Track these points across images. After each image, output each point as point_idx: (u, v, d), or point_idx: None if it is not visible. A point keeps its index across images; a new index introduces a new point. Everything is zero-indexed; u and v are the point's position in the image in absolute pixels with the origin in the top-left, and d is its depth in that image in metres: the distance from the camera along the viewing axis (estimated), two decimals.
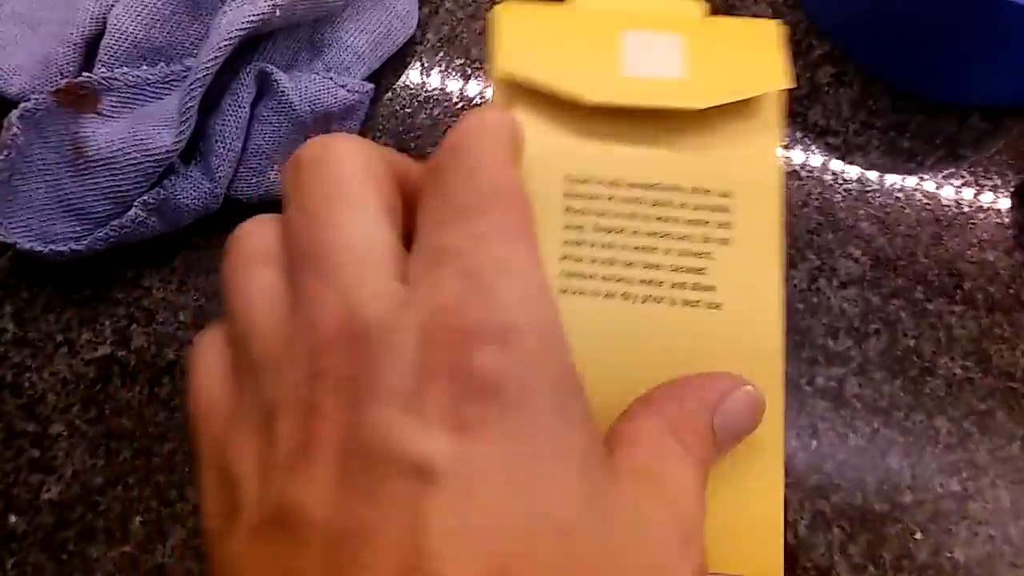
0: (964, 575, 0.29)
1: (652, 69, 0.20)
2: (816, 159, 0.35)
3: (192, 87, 0.31)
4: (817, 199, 0.35)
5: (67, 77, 0.32)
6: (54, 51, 0.33)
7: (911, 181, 0.35)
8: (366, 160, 0.17)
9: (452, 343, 0.15)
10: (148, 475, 0.30)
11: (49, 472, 0.31)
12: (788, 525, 0.30)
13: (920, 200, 0.35)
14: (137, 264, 0.33)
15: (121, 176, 0.31)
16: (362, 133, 0.35)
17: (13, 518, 0.30)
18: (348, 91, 0.34)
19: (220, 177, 0.32)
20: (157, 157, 0.31)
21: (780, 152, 0.21)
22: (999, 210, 0.35)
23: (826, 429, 0.31)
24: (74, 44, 0.33)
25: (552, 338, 0.16)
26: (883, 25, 0.35)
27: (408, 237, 0.17)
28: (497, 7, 0.21)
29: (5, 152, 0.31)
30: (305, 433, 0.15)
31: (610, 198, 0.20)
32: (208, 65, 0.31)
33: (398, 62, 0.37)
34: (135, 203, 0.31)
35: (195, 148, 0.33)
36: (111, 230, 0.31)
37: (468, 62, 0.37)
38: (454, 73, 0.37)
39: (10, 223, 0.31)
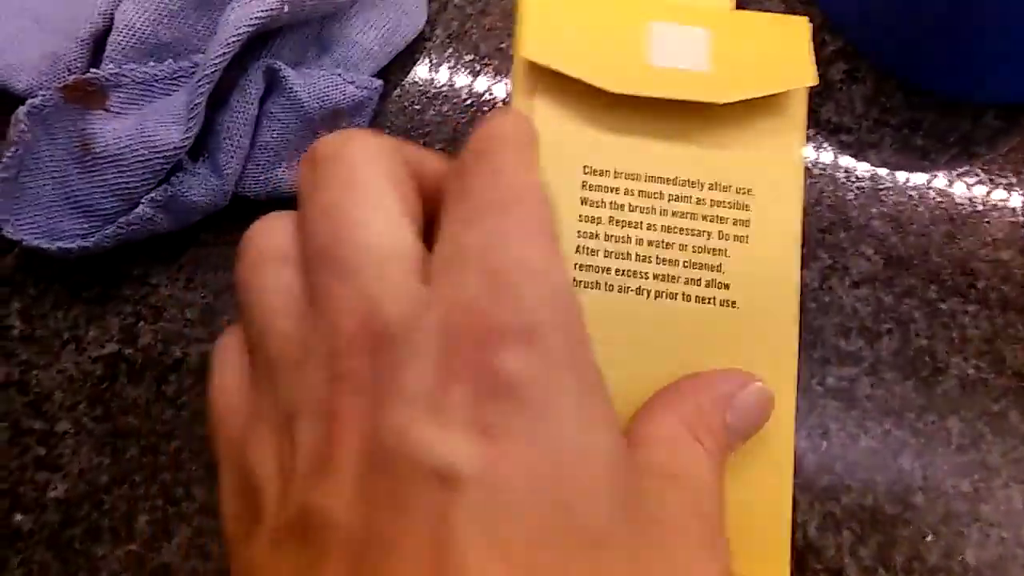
0: None
1: (678, 61, 0.20)
2: (828, 156, 0.35)
3: (200, 83, 0.30)
4: (829, 197, 0.34)
5: (75, 73, 0.32)
6: (62, 47, 0.33)
7: (924, 179, 0.35)
8: (384, 156, 0.17)
9: (474, 344, 0.14)
10: (154, 473, 0.30)
11: (55, 470, 0.30)
12: (798, 527, 0.30)
13: (934, 198, 0.34)
14: (145, 261, 0.33)
15: (129, 173, 0.31)
16: (371, 129, 0.35)
17: (19, 516, 0.30)
18: (357, 87, 0.33)
19: (228, 174, 0.32)
20: (165, 154, 0.31)
21: (804, 151, 0.20)
22: (1014, 208, 0.34)
23: (837, 430, 0.31)
24: (82, 40, 0.33)
25: (577, 337, 0.15)
26: (898, 21, 0.35)
27: (428, 233, 0.17)
28: None
29: (12, 149, 0.31)
30: (326, 438, 0.15)
31: (627, 191, 0.20)
32: (216, 61, 0.30)
33: (407, 58, 0.37)
34: (143, 200, 0.31)
35: (203, 145, 0.32)
36: (119, 227, 0.31)
37: (477, 58, 0.37)
38: (463, 69, 0.37)
39: (17, 220, 0.31)
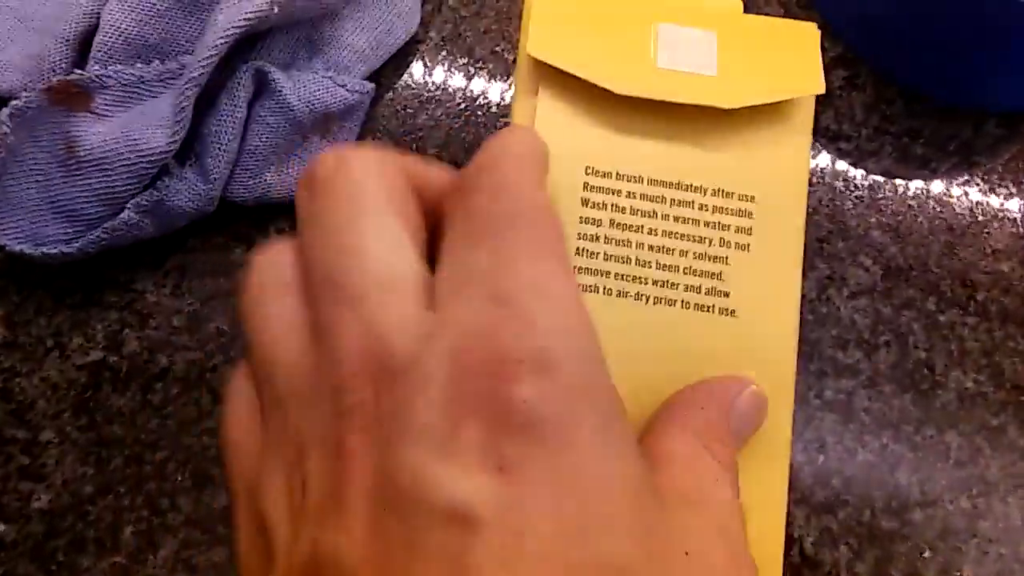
0: None
1: (685, 64, 0.20)
2: (827, 164, 0.35)
3: (187, 86, 0.30)
4: (828, 206, 0.34)
5: (59, 74, 0.32)
6: (46, 47, 0.32)
7: (924, 188, 0.34)
8: (384, 175, 0.17)
9: (486, 373, 0.14)
10: (140, 484, 0.30)
11: (39, 480, 0.30)
12: (794, 542, 0.29)
13: (933, 208, 0.34)
14: (130, 267, 0.33)
15: (114, 177, 0.30)
16: (362, 134, 0.35)
17: (2, 527, 0.29)
18: (348, 91, 0.33)
19: (215, 179, 0.31)
20: (151, 158, 0.30)
21: (809, 159, 0.20)
22: (1014, 219, 0.34)
23: (834, 443, 0.30)
24: (67, 40, 0.32)
25: (592, 362, 0.15)
26: (898, 27, 0.34)
27: (431, 249, 0.17)
28: None
29: None
30: (336, 475, 0.14)
31: (629, 193, 0.19)
32: (204, 63, 0.30)
33: (400, 61, 0.36)
34: (128, 205, 0.30)
35: (190, 148, 0.32)
36: (103, 232, 0.30)
37: (471, 61, 0.36)
38: (457, 72, 0.36)
39: (0, 225, 0.30)
